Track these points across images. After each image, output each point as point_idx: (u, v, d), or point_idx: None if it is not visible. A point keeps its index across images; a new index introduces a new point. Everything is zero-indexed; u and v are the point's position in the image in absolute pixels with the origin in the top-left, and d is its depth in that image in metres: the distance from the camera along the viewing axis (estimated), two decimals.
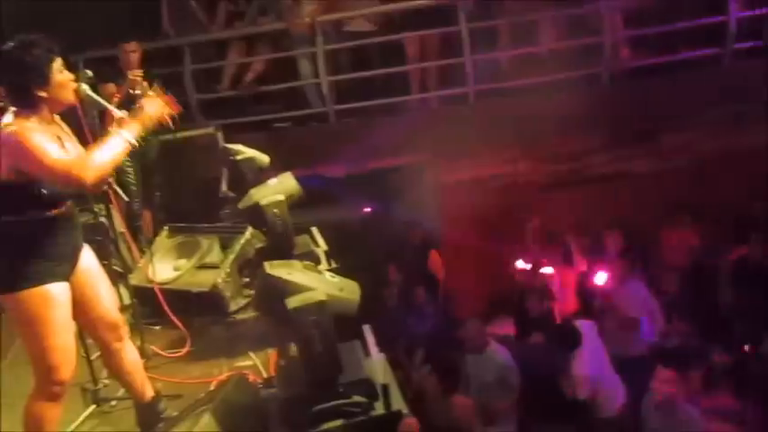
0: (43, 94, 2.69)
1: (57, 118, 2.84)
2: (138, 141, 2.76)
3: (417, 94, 6.69)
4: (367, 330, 2.81)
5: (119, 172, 4.23)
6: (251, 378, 3.37)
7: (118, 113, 2.84)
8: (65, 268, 2.83)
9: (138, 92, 5.13)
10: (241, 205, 3.77)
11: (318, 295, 2.34)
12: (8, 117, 2.70)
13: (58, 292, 2.78)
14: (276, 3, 6.79)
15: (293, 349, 2.77)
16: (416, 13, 6.51)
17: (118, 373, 3.20)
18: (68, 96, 2.79)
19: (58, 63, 2.73)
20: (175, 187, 6.02)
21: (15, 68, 2.64)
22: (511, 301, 6.76)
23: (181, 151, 5.91)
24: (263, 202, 3.52)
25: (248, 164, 4.31)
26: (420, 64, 6.59)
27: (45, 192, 2.68)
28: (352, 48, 6.68)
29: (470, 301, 6.73)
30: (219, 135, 5.96)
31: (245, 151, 4.43)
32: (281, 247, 3.53)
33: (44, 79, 2.68)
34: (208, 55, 7.02)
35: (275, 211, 3.47)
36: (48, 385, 2.82)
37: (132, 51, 5.63)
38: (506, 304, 6.73)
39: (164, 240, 4.59)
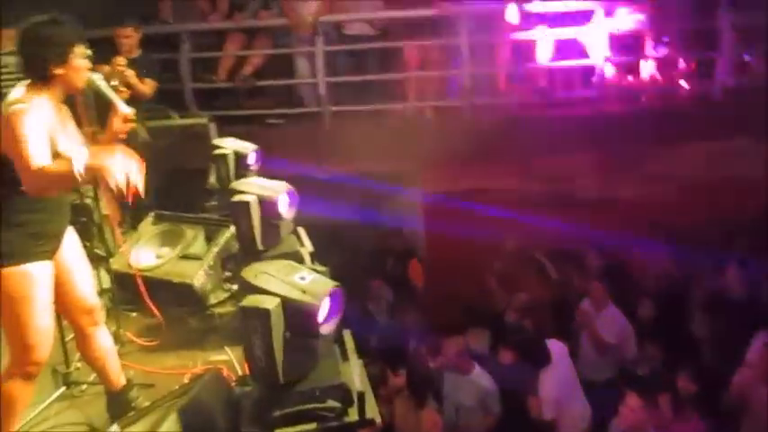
0: (59, 71, 2.71)
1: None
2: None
3: (413, 102, 6.71)
4: (347, 336, 2.81)
5: None
6: (225, 374, 3.36)
7: (124, 109, 2.85)
8: (48, 248, 2.82)
9: (115, 82, 5.08)
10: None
11: (266, 302, 2.33)
12: (18, 91, 2.71)
13: (40, 272, 2.77)
14: None
15: None
16: (418, 22, 6.55)
17: (91, 358, 3.18)
18: (80, 82, 2.81)
19: (80, 48, 2.76)
20: (163, 174, 5.98)
21: (40, 41, 2.67)
22: (486, 314, 6.81)
23: (171, 138, 5.88)
24: (234, 199, 3.51)
25: (225, 159, 4.32)
26: (417, 72, 6.62)
27: None
28: (351, 50, 6.69)
29: (447, 311, 6.75)
30: (212, 126, 5.94)
31: (225, 146, 4.42)
32: (245, 246, 3.52)
33: (64, 58, 2.70)
34: (206, 44, 7.00)
35: (241, 209, 3.46)
36: (22, 365, 2.80)
37: (127, 37, 5.56)
38: (482, 317, 6.77)
39: (148, 227, 4.56)
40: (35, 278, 2.75)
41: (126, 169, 2.48)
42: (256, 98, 6.98)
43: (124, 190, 2.48)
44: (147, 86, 5.55)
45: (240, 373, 3.44)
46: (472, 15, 6.55)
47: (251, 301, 2.36)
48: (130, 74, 5.23)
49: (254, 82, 6.79)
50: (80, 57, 2.76)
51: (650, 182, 7.35)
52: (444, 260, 6.89)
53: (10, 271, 2.71)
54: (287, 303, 2.37)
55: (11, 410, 2.87)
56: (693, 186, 7.14)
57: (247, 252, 3.51)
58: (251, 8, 6.90)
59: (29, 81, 2.74)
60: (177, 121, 5.82)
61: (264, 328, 2.33)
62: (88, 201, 4.15)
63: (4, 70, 3.62)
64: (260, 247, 3.50)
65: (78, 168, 2.47)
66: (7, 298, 2.74)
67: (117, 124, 2.90)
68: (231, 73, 6.83)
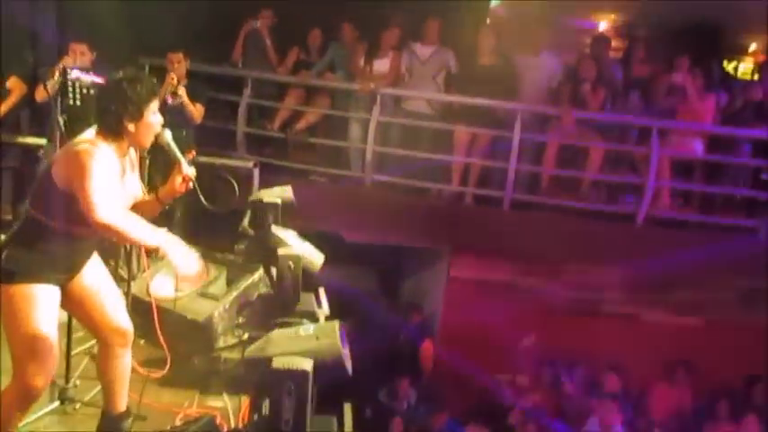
0: (131, 128, 2.75)
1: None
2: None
3: (456, 185, 6.76)
4: (347, 409, 2.75)
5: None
6: (218, 422, 3.31)
7: (187, 169, 2.90)
8: (62, 276, 2.83)
9: (170, 96, 5.30)
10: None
11: (303, 364, 2.27)
12: (89, 132, 2.76)
13: (43, 294, 2.75)
14: (348, 63, 6.99)
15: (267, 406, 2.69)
16: (474, 109, 6.65)
17: (107, 374, 3.15)
18: (150, 138, 2.84)
19: (154, 104, 2.80)
20: (198, 209, 6.05)
21: (117, 98, 2.71)
22: (489, 411, 6.62)
23: (213, 176, 5.97)
24: (282, 251, 3.49)
25: (264, 208, 4.31)
26: (465, 158, 6.68)
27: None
28: (404, 125, 6.81)
29: (451, 399, 6.60)
30: (256, 171, 6.03)
31: (270, 194, 4.44)
32: (284, 302, 3.49)
33: (138, 116, 2.74)
34: (267, 93, 7.21)
35: (290, 263, 3.44)
36: (23, 388, 2.77)
37: (178, 62, 5.77)
38: (484, 413, 6.59)
39: None
40: (37, 299, 2.73)
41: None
42: (305, 153, 7.11)
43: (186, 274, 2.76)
44: (197, 111, 5.73)
45: (233, 424, 3.39)
46: (528, 113, 6.63)
47: (284, 362, 2.28)
48: (183, 91, 5.45)
49: (305, 137, 6.95)
50: (153, 112, 2.79)
51: (677, 309, 7.21)
52: (457, 345, 6.78)
53: (15, 288, 2.70)
54: (311, 355, 2.31)
55: (5, 427, 2.83)
56: (722, 324, 6.97)
57: (282, 308, 3.47)
58: (317, 67, 7.12)
59: (99, 129, 2.77)
60: (224, 160, 5.93)
61: (300, 390, 2.24)
62: None
63: (76, 83, 3.73)
64: (296, 304, 3.47)
65: (162, 244, 2.68)
66: (10, 316, 2.73)
67: (177, 183, 2.89)
68: (285, 125, 7.02)
